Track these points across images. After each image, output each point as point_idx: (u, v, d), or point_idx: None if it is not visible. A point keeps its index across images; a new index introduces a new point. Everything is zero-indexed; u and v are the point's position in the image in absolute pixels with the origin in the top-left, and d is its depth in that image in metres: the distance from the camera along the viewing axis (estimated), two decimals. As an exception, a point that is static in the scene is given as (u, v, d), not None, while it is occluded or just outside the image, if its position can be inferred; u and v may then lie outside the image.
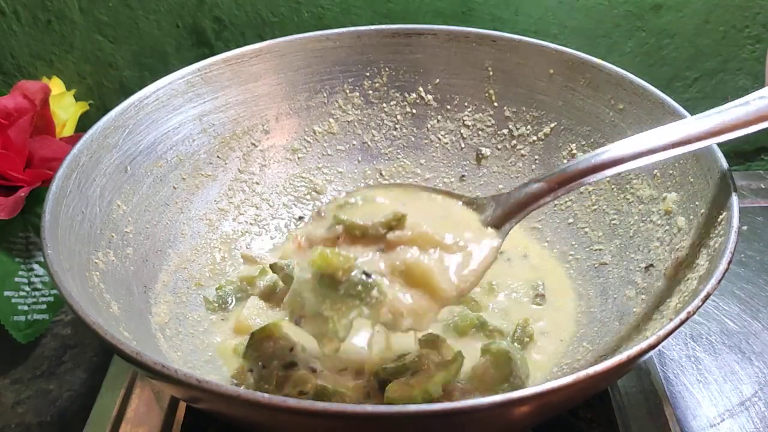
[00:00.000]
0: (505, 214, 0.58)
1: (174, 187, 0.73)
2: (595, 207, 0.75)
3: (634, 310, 0.63)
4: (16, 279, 0.76)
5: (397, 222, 0.54)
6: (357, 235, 0.54)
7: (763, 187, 0.93)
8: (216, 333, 0.68)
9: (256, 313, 0.68)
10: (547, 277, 0.73)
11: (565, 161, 0.77)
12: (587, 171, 0.57)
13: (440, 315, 0.55)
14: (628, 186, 0.72)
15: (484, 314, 0.68)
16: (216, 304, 0.70)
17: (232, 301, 0.71)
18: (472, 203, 0.60)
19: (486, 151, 0.81)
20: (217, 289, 0.71)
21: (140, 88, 0.71)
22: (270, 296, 0.70)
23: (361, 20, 0.92)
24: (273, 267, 0.65)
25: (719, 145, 0.63)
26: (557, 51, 0.75)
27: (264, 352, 0.60)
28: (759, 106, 0.57)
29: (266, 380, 0.58)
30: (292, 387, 0.58)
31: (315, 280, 0.51)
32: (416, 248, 0.53)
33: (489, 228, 0.58)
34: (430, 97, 0.82)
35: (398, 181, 0.82)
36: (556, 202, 0.77)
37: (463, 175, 0.82)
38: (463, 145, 0.82)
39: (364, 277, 0.51)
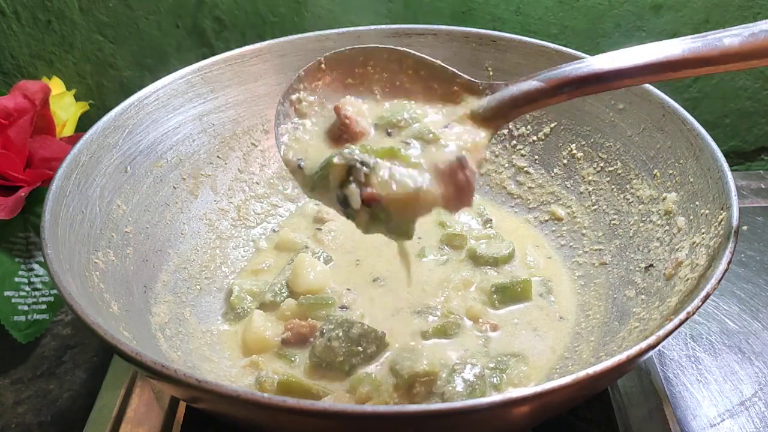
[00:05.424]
0: (498, 108, 0.57)
1: (174, 187, 0.73)
2: (595, 207, 0.75)
3: (634, 310, 0.63)
4: (16, 279, 0.76)
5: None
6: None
7: (763, 187, 0.93)
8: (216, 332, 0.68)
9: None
10: (550, 278, 0.73)
11: (565, 161, 0.78)
12: (587, 78, 0.53)
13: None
14: (628, 186, 0.72)
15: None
16: (233, 318, 0.70)
17: (246, 314, 0.70)
18: (468, 86, 0.60)
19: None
20: (231, 308, 0.70)
21: (140, 88, 0.71)
22: (272, 308, 0.69)
23: (361, 20, 0.92)
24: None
25: (719, 145, 0.63)
26: (557, 51, 0.76)
27: None
28: (760, 36, 0.50)
29: None
30: None
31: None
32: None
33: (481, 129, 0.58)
34: (430, 97, 0.82)
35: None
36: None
37: None
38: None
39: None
